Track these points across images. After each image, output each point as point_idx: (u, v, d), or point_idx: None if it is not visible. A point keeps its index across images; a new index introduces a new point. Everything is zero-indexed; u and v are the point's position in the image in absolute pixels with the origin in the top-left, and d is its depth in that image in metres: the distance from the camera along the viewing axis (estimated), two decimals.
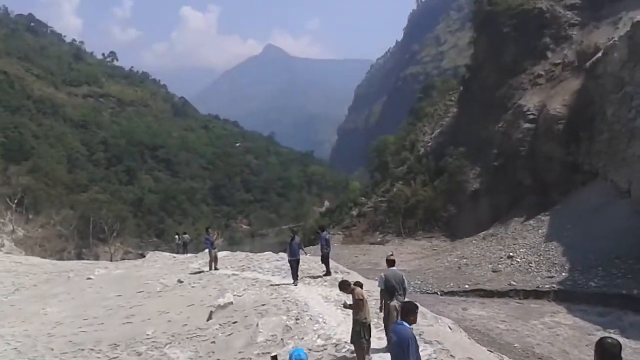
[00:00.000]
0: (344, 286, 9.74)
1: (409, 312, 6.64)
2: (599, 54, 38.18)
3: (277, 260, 22.90)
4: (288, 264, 17.62)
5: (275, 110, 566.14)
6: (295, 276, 17.24)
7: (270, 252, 27.20)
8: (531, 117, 44.39)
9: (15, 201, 63.59)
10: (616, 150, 34.04)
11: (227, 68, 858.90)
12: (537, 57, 49.13)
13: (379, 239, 54.16)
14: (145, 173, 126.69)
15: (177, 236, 43.48)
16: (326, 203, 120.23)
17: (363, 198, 72.02)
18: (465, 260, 37.18)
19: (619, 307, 24.74)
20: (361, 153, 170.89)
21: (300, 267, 17.69)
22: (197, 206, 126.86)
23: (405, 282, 10.64)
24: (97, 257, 68.28)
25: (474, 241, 41.57)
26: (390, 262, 11.01)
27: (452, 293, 31.21)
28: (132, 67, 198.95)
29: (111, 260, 47.46)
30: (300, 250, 17.46)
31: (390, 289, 10.19)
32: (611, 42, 36.75)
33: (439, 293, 31.47)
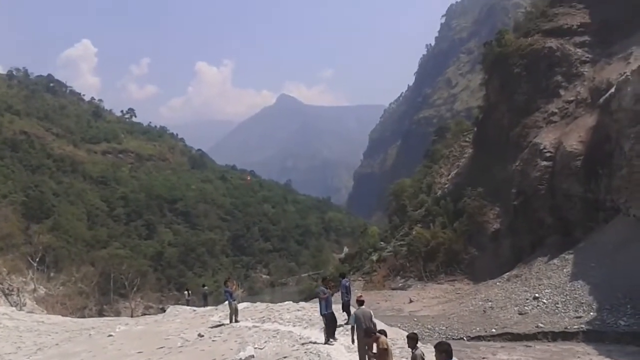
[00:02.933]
0: (369, 333, 9.63)
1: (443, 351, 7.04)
2: (612, 90, 38.20)
3: (298, 310, 22.65)
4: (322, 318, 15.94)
5: (290, 158, 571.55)
6: (330, 333, 15.59)
7: (291, 302, 26.92)
8: (548, 154, 44.16)
9: (37, 260, 64.06)
10: (636, 185, 33.61)
11: (243, 119, 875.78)
12: (549, 96, 49.29)
13: (400, 284, 53.33)
14: (164, 227, 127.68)
15: (186, 292, 43.45)
16: (345, 249, 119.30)
17: (382, 243, 71.38)
18: (490, 303, 36.37)
19: None
20: (378, 197, 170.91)
21: (317, 315, 16.56)
22: (216, 257, 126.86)
23: (373, 317, 12.31)
24: (118, 313, 68.10)
25: (498, 283, 40.73)
26: (360, 302, 12.75)
27: (479, 338, 30.40)
28: (150, 122, 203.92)
29: (132, 316, 47.19)
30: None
31: (359, 325, 11.77)
32: (624, 77, 36.80)
33: (465, 338, 30.68)
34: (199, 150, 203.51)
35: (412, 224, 63.48)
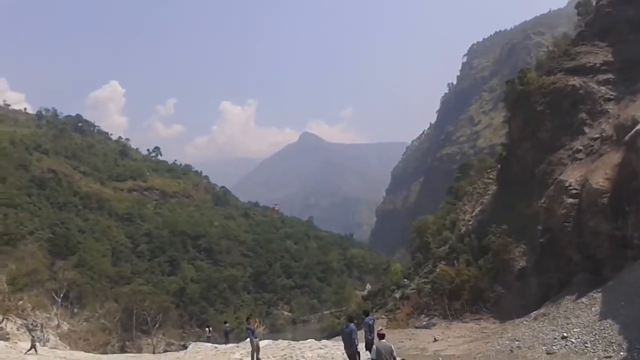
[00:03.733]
0: None
1: None
2: (638, 127, 37.94)
3: (320, 349, 22.53)
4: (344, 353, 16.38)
5: (313, 195, 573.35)
6: None
7: (313, 340, 26.78)
8: (574, 192, 43.69)
9: (61, 295, 64.85)
10: None
11: (266, 157, 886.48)
12: (574, 133, 49.10)
13: (424, 322, 52.52)
14: (187, 263, 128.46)
15: (207, 329, 43.56)
16: (368, 286, 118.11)
17: (406, 280, 70.74)
18: (517, 342, 35.58)
19: None
20: (401, 234, 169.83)
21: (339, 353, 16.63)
22: (238, 294, 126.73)
23: (394, 352, 13.07)
24: (140, 350, 68.20)
25: (524, 322, 39.87)
26: (381, 336, 13.42)
27: None
28: (175, 160, 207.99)
29: (154, 353, 47.30)
30: (356, 339, 16.40)
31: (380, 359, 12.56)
32: None
33: None
34: (223, 187, 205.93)
35: (436, 261, 62.89)
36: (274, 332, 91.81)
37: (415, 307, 57.27)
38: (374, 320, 21.98)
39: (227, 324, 40.24)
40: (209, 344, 30.08)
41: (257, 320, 23.38)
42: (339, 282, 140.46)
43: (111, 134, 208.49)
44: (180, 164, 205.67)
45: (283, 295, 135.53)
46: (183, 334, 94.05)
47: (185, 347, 39.05)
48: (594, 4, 62.56)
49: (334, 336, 48.98)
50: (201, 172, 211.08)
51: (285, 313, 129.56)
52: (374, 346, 13.46)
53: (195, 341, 38.33)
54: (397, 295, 65.76)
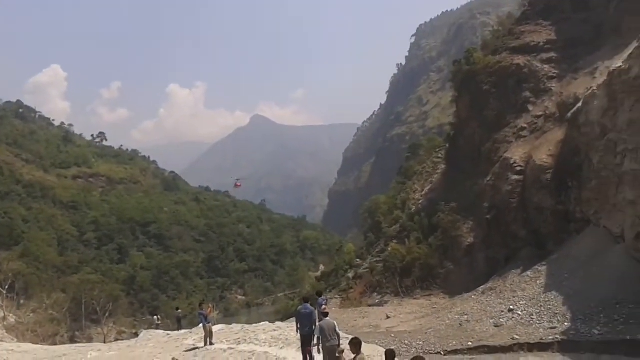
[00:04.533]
0: (356, 345, 10.18)
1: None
2: (580, 104, 39.11)
3: (274, 331, 22.43)
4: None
5: (265, 178, 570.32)
6: (305, 357, 15.34)
7: (267, 322, 26.65)
8: (518, 169, 44.87)
9: (6, 287, 62.30)
10: (606, 197, 34.29)
11: (216, 140, 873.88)
12: (518, 111, 50.21)
13: (377, 301, 53.23)
14: (137, 250, 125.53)
15: (155, 317, 43.14)
16: (321, 267, 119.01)
17: (358, 260, 71.36)
18: (466, 316, 36.50)
19: (626, 353, 24.22)
20: (353, 215, 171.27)
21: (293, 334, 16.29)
22: (190, 280, 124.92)
23: (337, 328, 13.64)
24: (90, 340, 66.49)
25: (473, 296, 40.95)
26: (324, 314, 14.04)
27: (455, 352, 30.36)
28: (121, 145, 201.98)
29: (104, 342, 46.18)
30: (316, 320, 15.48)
31: (324, 336, 13.20)
32: (590, 91, 37.72)
33: (442, 353, 30.61)
34: (172, 172, 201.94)
35: (388, 241, 63.64)
36: (228, 317, 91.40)
37: (368, 286, 57.93)
38: (326, 300, 22.06)
39: (179, 310, 39.49)
40: (161, 331, 29.52)
41: (210, 305, 23.22)
42: (292, 265, 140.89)
43: (53, 120, 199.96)
44: (127, 150, 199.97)
45: (237, 279, 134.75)
46: (135, 322, 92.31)
47: (136, 335, 38.26)
48: None
49: (288, 318, 49.03)
50: (149, 157, 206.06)
51: (239, 297, 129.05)
52: (317, 324, 14.00)
53: (147, 329, 37.54)
54: (350, 275, 66.33)
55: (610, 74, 33.39)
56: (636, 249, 29.88)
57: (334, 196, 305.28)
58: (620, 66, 31.52)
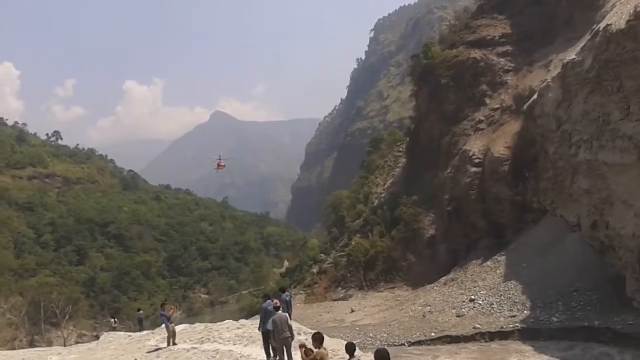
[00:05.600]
0: (318, 340, 10.06)
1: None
2: (535, 96, 39.91)
3: (238, 328, 22.18)
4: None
5: (227, 175, 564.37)
6: (268, 353, 15.48)
7: (231, 320, 26.34)
8: (477, 161, 45.63)
9: None
10: (562, 187, 35.16)
11: (176, 137, 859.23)
12: (476, 104, 51.04)
13: (341, 295, 53.41)
14: (96, 251, 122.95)
15: (112, 319, 42.33)
16: (286, 263, 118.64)
17: (322, 255, 71.45)
18: (428, 307, 36.97)
19: (583, 339, 24.91)
20: (317, 210, 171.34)
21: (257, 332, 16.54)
22: (152, 280, 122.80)
23: (289, 321, 14.25)
24: (50, 343, 64.63)
25: (435, 287, 41.52)
26: (277, 308, 14.72)
27: (419, 343, 30.72)
28: (77, 144, 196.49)
29: (65, 345, 44.94)
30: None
31: (277, 329, 13.73)
32: (545, 84, 38.53)
33: (406, 344, 30.91)
34: (131, 171, 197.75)
35: (351, 235, 63.95)
36: (192, 316, 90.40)
37: (332, 281, 58.08)
38: (291, 296, 21.95)
39: (141, 311, 38.62)
40: (122, 333, 28.85)
41: (172, 306, 22.92)
42: (256, 261, 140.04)
43: (6, 119, 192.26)
44: (83, 148, 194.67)
45: (200, 278, 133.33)
46: (95, 324, 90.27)
47: (97, 337, 37.38)
48: None
49: (253, 315, 48.70)
50: (106, 155, 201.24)
51: (203, 296, 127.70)
52: (270, 318, 14.29)
53: (107, 331, 36.66)
54: (315, 270, 66.38)
55: (563, 67, 34.16)
56: (592, 237, 30.74)
57: (297, 191, 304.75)
58: (574, 58, 32.27)
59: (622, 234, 25.98)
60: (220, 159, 65.19)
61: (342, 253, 62.25)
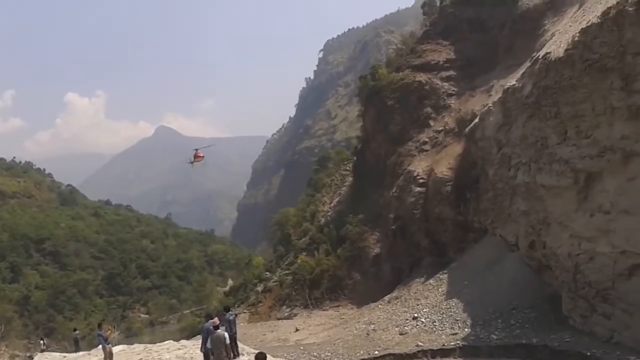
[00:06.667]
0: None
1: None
2: (477, 120, 41.20)
3: (179, 349, 21.53)
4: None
5: (171, 191, 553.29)
6: None
7: (172, 341, 25.56)
8: (421, 181, 46.57)
9: None
10: (501, 207, 36.26)
11: (118, 151, 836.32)
12: (421, 126, 52.28)
13: (286, 314, 52.93)
14: (31, 268, 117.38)
15: (41, 341, 40.49)
16: (230, 282, 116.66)
17: (267, 273, 70.72)
18: (372, 325, 37.08)
19: (522, 357, 25.52)
20: (262, 228, 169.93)
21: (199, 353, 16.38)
22: (89, 299, 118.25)
23: (227, 339, 14.74)
24: None
25: (379, 305, 41.77)
26: (216, 327, 14.90)
27: None
28: (14, 157, 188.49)
29: None
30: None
31: (215, 348, 14.36)
32: (486, 108, 39.88)
33: None
34: (69, 185, 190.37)
35: (297, 253, 63.67)
36: (130, 337, 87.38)
37: (277, 299, 57.49)
38: (235, 315, 21.50)
39: (77, 332, 36.97)
40: (58, 354, 27.58)
41: (110, 326, 22.14)
42: (199, 280, 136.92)
43: None
44: (20, 162, 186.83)
45: (139, 297, 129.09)
46: (29, 345, 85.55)
47: (31, 358, 35.63)
48: (438, 4, 67.00)
49: (195, 335, 47.44)
50: (44, 169, 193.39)
51: (142, 315, 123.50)
52: (209, 338, 14.75)
53: (41, 351, 34.85)
54: (259, 289, 65.55)
55: (504, 92, 35.47)
56: (530, 257, 31.76)
57: (243, 209, 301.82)
58: (514, 85, 33.58)
59: (558, 254, 26.95)
60: (197, 150, 59.73)
61: (287, 271, 61.83)
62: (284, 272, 62.45)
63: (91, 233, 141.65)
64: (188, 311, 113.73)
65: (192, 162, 60.18)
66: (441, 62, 55.22)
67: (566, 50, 23.97)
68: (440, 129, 50.30)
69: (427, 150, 49.89)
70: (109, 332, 20.81)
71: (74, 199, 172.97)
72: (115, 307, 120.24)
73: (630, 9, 18.84)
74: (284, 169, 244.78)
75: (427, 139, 50.72)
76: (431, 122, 51.75)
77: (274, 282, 62.82)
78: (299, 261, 59.12)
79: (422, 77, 54.81)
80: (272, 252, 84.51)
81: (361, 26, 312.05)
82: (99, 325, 20.69)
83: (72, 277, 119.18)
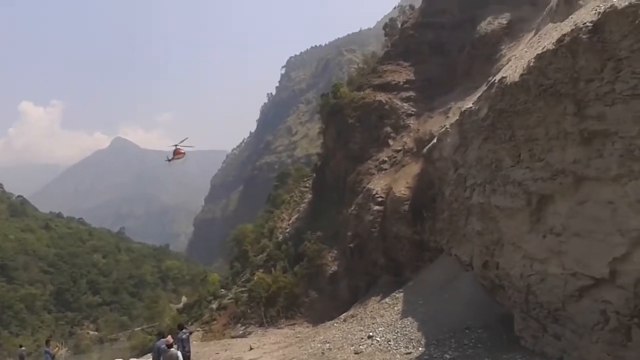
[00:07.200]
0: None
1: None
2: (434, 141, 41.72)
3: None
4: None
5: (126, 204, 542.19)
6: None
7: (121, 359, 24.71)
8: (379, 199, 46.79)
9: None
10: (456, 227, 36.69)
11: (72, 163, 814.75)
12: (380, 145, 52.71)
13: (241, 332, 52.02)
14: None
15: None
16: (184, 299, 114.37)
17: (223, 290, 69.71)
18: (328, 344, 36.68)
19: None
20: (220, 244, 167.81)
21: None
22: (37, 314, 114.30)
23: (179, 358, 15.15)
24: None
25: (335, 324, 41.46)
26: (169, 346, 15.33)
27: None
28: None
29: None
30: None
31: None
32: (444, 129, 40.43)
33: None
34: (20, 196, 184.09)
35: (254, 270, 63.02)
36: (78, 354, 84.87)
37: (232, 317, 56.55)
38: (189, 333, 20.95)
39: (23, 348, 35.39)
40: None
41: (57, 343, 21.44)
42: (152, 296, 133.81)
43: None
44: None
45: (89, 313, 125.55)
46: None
47: None
48: (399, 26, 68.26)
49: (145, 353, 46.12)
50: None
51: (91, 332, 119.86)
52: (162, 355, 15.00)
53: None
54: (214, 306, 64.47)
55: (461, 114, 36.10)
56: (483, 277, 32.15)
57: (200, 224, 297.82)
58: (471, 107, 34.22)
59: (510, 274, 27.35)
60: (177, 146, 53.62)
61: (243, 288, 61.05)
62: (240, 289, 61.63)
63: (41, 246, 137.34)
64: (139, 328, 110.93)
65: (170, 160, 55.67)
66: (401, 83, 56.02)
67: (521, 75, 24.55)
68: (399, 148, 50.83)
69: (386, 169, 50.26)
70: (57, 349, 20.33)
71: (24, 211, 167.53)
72: (63, 323, 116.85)
73: (584, 37, 19.43)
74: (243, 184, 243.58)
75: (386, 158, 51.14)
76: (390, 142, 52.26)
77: (229, 299, 61.91)
78: (255, 278, 58.42)
79: (382, 96, 55.41)
80: (229, 269, 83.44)
81: (323, 44, 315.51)
82: (47, 342, 20.28)
83: (19, 291, 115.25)
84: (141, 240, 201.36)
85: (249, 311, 54.59)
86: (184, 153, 50.22)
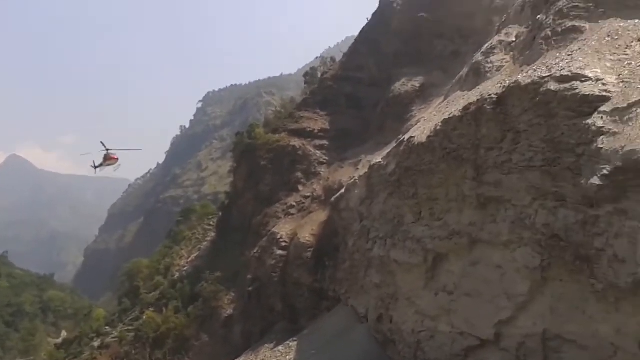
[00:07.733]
0: None
1: None
2: (343, 191, 42.39)
3: None
4: None
5: (13, 227, 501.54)
6: None
7: None
8: (284, 244, 46.42)
9: None
10: (356, 278, 36.96)
11: None
12: (290, 189, 52.82)
13: None
14: None
15: None
16: (64, 333, 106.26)
17: (108, 327, 65.48)
18: None
19: None
20: (110, 277, 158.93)
21: None
22: None
23: None
24: None
25: None
26: None
27: None
28: None
29: None
30: None
31: None
32: (352, 180, 41.25)
33: None
34: None
35: (144, 308, 59.84)
36: None
37: (114, 357, 53.02)
38: None
39: None
40: None
41: None
42: (30, 328, 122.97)
43: None
44: None
45: None
46: None
47: None
48: (319, 75, 70.04)
49: None
50: None
51: None
52: None
53: None
54: (96, 344, 60.31)
55: (370, 168, 37.04)
56: (377, 330, 32.36)
57: (92, 254, 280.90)
58: (380, 162, 35.20)
59: (403, 329, 27.72)
60: (109, 151, 44.01)
61: (130, 327, 57.68)
62: (126, 328, 58.19)
63: None
64: None
65: (96, 167, 45.42)
66: (316, 131, 57.00)
67: (428, 136, 25.67)
68: (308, 194, 51.15)
69: (293, 214, 50.21)
70: None
71: None
72: None
73: (489, 107, 20.65)
74: (143, 216, 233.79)
75: (294, 203, 51.20)
76: (300, 187, 52.54)
77: (113, 337, 58.23)
78: (144, 317, 55.41)
79: (296, 142, 55.99)
80: (117, 305, 78.81)
81: (244, 84, 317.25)
82: None
83: None
84: (25, 267, 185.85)
85: (133, 352, 51.39)
86: (117, 158, 44.27)
